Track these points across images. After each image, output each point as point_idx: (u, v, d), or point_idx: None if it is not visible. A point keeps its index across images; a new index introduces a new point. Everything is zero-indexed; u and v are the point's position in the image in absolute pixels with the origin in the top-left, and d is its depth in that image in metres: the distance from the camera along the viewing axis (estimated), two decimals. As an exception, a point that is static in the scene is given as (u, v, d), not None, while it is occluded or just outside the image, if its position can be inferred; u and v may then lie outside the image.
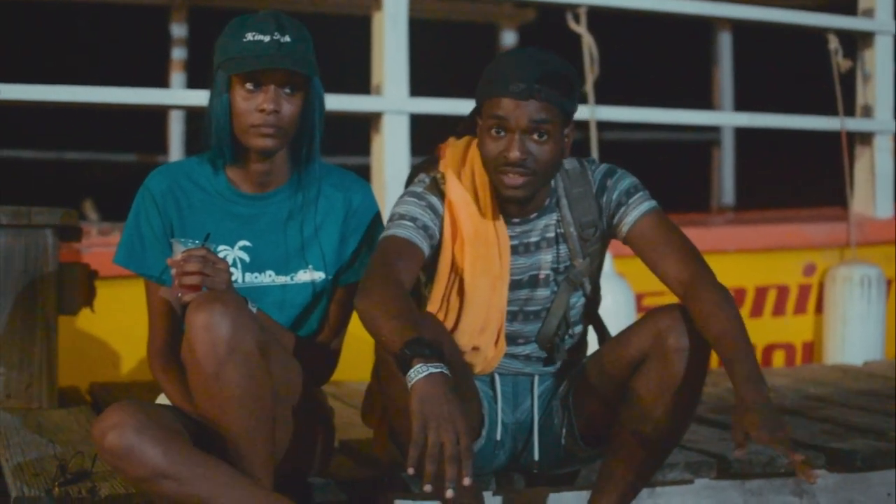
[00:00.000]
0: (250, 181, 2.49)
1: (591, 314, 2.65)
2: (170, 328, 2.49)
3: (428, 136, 2.95)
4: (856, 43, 5.02)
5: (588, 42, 4.43)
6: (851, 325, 4.59)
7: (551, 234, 2.54)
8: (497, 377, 2.58)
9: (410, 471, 2.02)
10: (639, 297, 4.21)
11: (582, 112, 4.26)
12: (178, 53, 6.11)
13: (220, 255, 2.43)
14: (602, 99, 4.54)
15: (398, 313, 2.21)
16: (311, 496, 2.54)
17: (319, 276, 2.51)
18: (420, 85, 4.37)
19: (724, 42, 6.67)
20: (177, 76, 6.11)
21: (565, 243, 2.54)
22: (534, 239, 2.54)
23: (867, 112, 5.00)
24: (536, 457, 2.59)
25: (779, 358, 4.74)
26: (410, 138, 4.25)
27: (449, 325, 2.49)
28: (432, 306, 2.50)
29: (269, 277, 2.49)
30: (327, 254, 2.52)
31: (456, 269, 2.50)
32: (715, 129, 6.71)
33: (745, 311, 4.61)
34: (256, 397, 2.23)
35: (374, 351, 2.38)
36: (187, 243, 2.31)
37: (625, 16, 4.91)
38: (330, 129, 2.52)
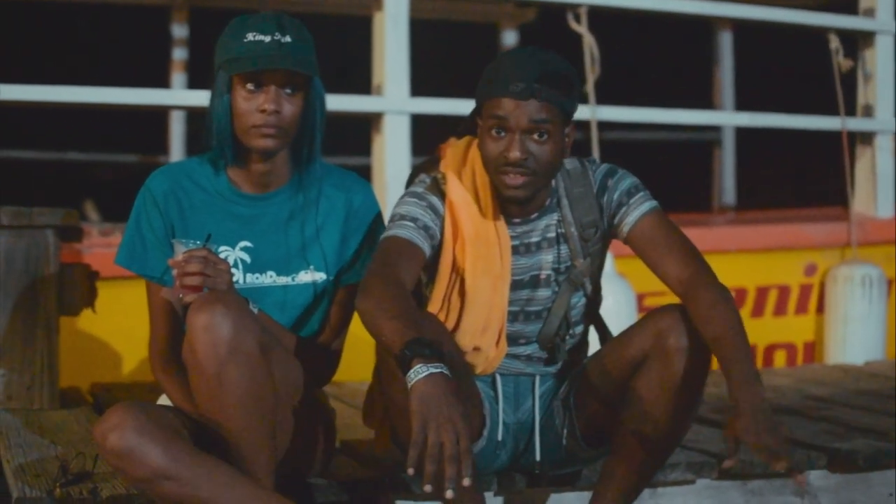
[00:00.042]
0: (251, 182, 2.49)
1: (592, 314, 2.65)
2: (171, 329, 2.48)
3: (429, 136, 2.95)
4: (857, 42, 5.02)
5: (589, 42, 4.43)
6: (852, 325, 4.59)
7: (552, 235, 2.54)
8: (498, 377, 2.58)
9: (410, 471, 2.02)
10: (640, 298, 4.21)
11: (583, 112, 4.26)
12: (179, 54, 6.12)
13: (222, 255, 2.43)
14: (603, 99, 4.54)
15: (399, 314, 2.21)
16: (312, 497, 2.54)
17: (320, 276, 2.51)
18: (421, 85, 4.37)
19: (725, 42, 6.66)
20: (178, 76, 6.11)
21: (566, 243, 2.54)
22: (535, 239, 2.54)
23: (868, 112, 5.00)
24: (538, 457, 2.59)
25: (780, 358, 4.74)
26: (411, 138, 4.25)
27: (450, 325, 2.49)
28: (433, 307, 2.50)
29: (270, 278, 2.49)
30: (328, 254, 2.52)
31: (457, 270, 2.50)
32: (716, 129, 6.71)
33: (746, 312, 4.62)
34: (257, 398, 2.23)
35: (375, 351, 2.37)
36: (188, 244, 2.31)
37: (626, 15, 4.92)
38: (331, 129, 2.52)
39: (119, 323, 3.76)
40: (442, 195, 2.50)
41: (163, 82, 6.10)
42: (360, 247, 2.54)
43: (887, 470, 2.98)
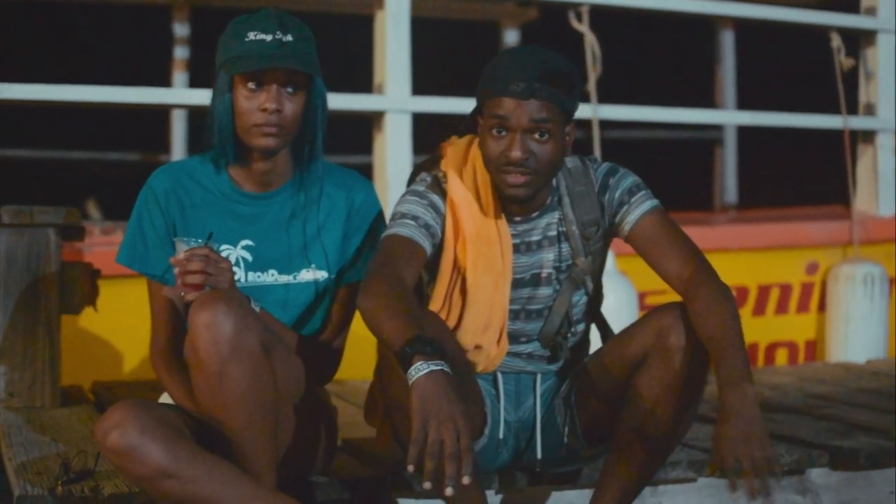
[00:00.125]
0: (253, 180, 2.49)
1: (593, 313, 2.65)
2: (173, 327, 2.48)
3: (430, 134, 2.95)
4: (858, 41, 5.01)
5: (590, 40, 4.43)
6: (854, 324, 4.59)
7: (553, 233, 2.54)
8: (499, 375, 2.58)
9: (410, 468, 2.02)
10: (641, 296, 4.21)
11: (584, 111, 4.26)
12: (181, 52, 6.11)
13: (223, 254, 2.43)
14: (604, 97, 4.54)
15: (400, 312, 2.21)
16: (314, 495, 2.54)
17: (322, 275, 2.51)
18: (422, 84, 4.37)
19: (727, 40, 6.66)
20: (179, 75, 6.11)
21: (567, 242, 2.54)
22: (536, 237, 2.54)
23: (870, 110, 4.99)
24: (539, 455, 2.59)
25: (782, 356, 4.74)
26: (412, 137, 4.25)
27: (451, 323, 2.49)
28: (435, 305, 2.50)
29: (271, 276, 2.49)
30: (330, 253, 2.52)
31: (458, 268, 2.50)
32: (717, 128, 6.71)
33: (747, 310, 4.62)
34: (259, 396, 2.23)
35: (377, 349, 2.38)
36: (190, 242, 2.31)
37: (627, 14, 4.91)
38: (332, 127, 2.52)
39: (120, 321, 3.76)
40: (443, 194, 2.50)
41: (164, 81, 6.10)
42: (362, 245, 2.54)
43: (888, 468, 2.98)
